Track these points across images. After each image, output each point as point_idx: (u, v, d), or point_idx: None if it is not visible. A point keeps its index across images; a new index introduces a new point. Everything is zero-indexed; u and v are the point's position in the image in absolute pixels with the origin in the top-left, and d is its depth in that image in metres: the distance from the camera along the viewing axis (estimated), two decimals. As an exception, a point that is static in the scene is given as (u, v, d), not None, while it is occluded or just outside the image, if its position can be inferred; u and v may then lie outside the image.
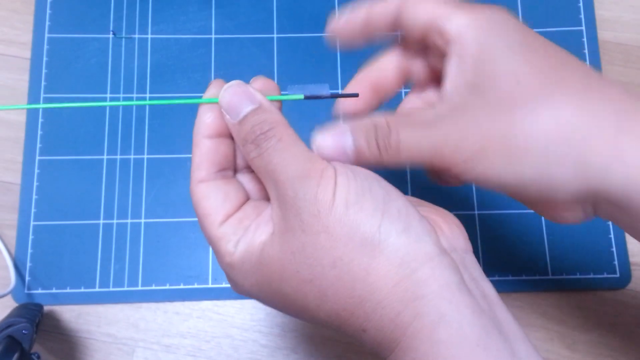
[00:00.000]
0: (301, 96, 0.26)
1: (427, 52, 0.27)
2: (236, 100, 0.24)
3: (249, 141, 0.24)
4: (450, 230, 0.24)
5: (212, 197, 0.25)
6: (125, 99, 0.47)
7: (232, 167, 0.26)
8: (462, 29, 0.24)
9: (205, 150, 0.25)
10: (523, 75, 0.23)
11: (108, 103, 0.27)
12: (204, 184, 0.25)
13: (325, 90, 0.26)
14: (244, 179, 0.27)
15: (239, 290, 0.25)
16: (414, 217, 0.22)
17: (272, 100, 0.25)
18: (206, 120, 0.25)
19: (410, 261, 0.21)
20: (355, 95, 0.28)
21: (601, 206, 0.24)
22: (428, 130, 0.24)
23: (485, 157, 0.23)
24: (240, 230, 0.24)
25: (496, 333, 0.21)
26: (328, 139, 0.25)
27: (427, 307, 0.21)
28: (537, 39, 0.25)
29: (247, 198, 0.26)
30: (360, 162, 0.25)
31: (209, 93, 0.25)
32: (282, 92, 0.26)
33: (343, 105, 0.29)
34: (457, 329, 0.20)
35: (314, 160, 0.23)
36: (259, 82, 0.26)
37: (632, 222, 0.23)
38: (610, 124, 0.22)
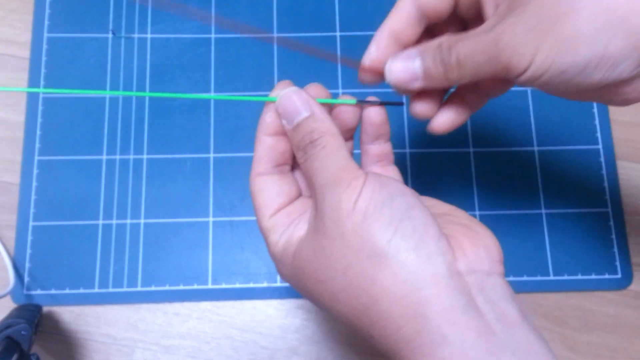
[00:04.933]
0: (353, 101, 0.28)
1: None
2: (291, 107, 0.26)
3: (300, 148, 0.26)
4: (474, 252, 0.23)
5: (267, 190, 0.27)
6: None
7: (289, 163, 0.28)
8: None
9: (265, 146, 0.27)
10: None
11: (147, 94, 0.28)
12: (261, 177, 0.27)
13: (374, 99, 0.28)
14: (299, 176, 0.29)
15: (283, 278, 0.27)
16: (430, 237, 0.22)
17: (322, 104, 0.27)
18: (267, 120, 0.27)
19: (416, 279, 0.22)
20: (401, 103, 0.30)
21: None
22: (482, 37, 0.25)
23: (540, 51, 0.24)
24: (286, 223, 0.26)
25: (506, 357, 0.21)
26: (399, 63, 0.27)
27: (429, 326, 0.21)
28: None
29: (300, 194, 0.28)
30: (431, 82, 0.26)
31: (275, 92, 0.27)
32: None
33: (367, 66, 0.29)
34: (459, 350, 0.20)
35: (349, 169, 0.24)
36: (312, 90, 0.27)
37: None
38: None
